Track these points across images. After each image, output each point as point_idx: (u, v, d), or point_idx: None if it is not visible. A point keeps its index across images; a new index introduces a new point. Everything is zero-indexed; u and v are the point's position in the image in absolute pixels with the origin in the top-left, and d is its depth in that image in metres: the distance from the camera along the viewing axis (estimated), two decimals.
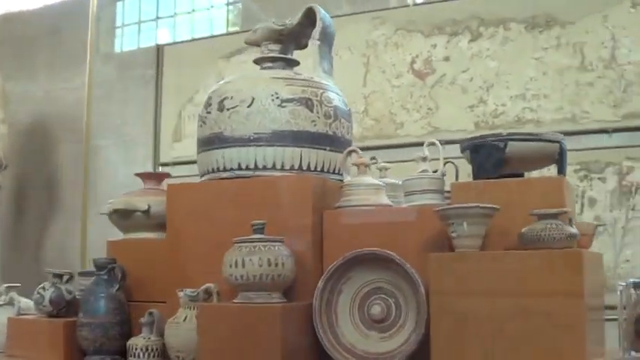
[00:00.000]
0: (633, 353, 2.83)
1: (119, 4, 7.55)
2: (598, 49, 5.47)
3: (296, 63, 3.45)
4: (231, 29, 6.38)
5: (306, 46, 3.55)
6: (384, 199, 3.19)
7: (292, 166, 3.16)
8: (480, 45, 5.75)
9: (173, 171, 6.31)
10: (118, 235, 3.72)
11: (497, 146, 2.93)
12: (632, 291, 2.89)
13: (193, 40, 7.16)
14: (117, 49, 7.55)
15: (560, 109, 5.51)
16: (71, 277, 3.45)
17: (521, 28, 5.66)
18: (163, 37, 7.36)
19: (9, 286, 3.70)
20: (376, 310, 2.86)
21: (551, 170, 3.24)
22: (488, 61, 5.73)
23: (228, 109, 3.16)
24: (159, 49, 6.96)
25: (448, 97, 5.81)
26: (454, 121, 5.76)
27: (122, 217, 3.47)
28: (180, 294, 3.01)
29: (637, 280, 2.98)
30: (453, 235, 2.75)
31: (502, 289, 2.65)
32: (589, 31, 5.50)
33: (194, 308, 2.96)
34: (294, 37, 3.47)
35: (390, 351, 2.81)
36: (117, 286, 3.23)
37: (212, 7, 7.17)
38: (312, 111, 3.20)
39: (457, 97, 5.78)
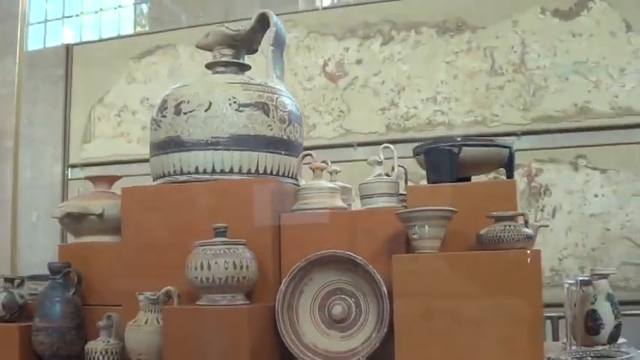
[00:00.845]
0: (583, 348, 2.91)
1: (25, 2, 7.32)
2: (508, 54, 5.63)
3: (248, 67, 3.44)
4: (140, 30, 6.26)
5: (256, 50, 3.54)
6: (339, 202, 3.23)
7: (249, 169, 3.16)
8: (391, 48, 5.83)
9: (82, 173, 6.20)
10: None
11: (452, 151, 2.99)
12: (579, 288, 2.97)
13: (103, 40, 7.03)
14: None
15: (471, 112, 5.65)
16: (22, 282, 3.37)
17: (433, 32, 5.77)
18: (70, 36, 7.17)
19: None
20: (337, 310, 2.90)
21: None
22: (400, 65, 5.82)
23: (185, 113, 3.13)
24: (68, 49, 6.78)
25: (360, 100, 5.86)
26: (366, 124, 5.83)
27: (75, 220, 3.38)
28: (141, 297, 2.97)
29: (584, 278, 3.08)
30: (414, 236, 2.78)
31: (464, 290, 2.71)
32: (499, 36, 5.65)
33: (155, 311, 2.95)
34: (246, 42, 3.44)
35: (351, 349, 2.85)
36: (73, 290, 3.17)
37: (120, 6, 7.03)
38: (268, 115, 3.20)
39: (369, 100, 5.85)
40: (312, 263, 2.90)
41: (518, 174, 5.41)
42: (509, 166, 3.11)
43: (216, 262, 2.81)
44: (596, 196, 5.28)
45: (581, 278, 3.10)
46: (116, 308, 3.13)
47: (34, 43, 7.34)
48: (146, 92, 6.36)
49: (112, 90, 6.38)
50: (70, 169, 6.66)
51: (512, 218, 2.80)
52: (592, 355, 2.67)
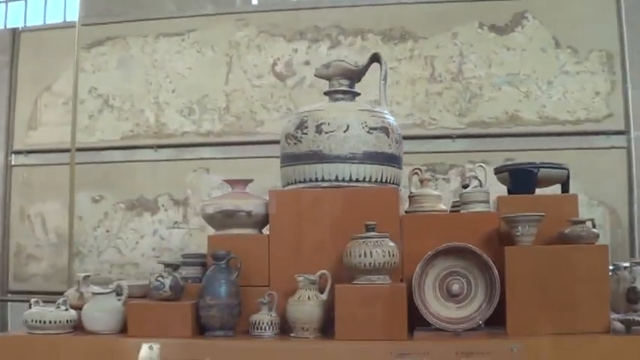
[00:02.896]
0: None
1: None
2: (447, 63, 6.16)
3: (358, 94, 4.17)
4: (89, 20, 6.32)
5: (359, 80, 4.26)
6: (442, 206, 4.16)
7: (376, 179, 3.96)
8: (338, 52, 6.21)
9: (27, 159, 6.27)
10: None
11: (532, 171, 3.96)
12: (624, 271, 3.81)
13: (51, 27, 7.08)
14: None
15: (411, 116, 6.13)
16: (177, 267, 3.86)
17: (378, 39, 6.22)
18: (15, 21, 7.15)
19: (86, 276, 4.11)
20: (455, 287, 3.69)
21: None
22: None
23: (326, 133, 3.88)
24: (15, 34, 6.78)
25: (307, 99, 6.16)
26: None
27: (227, 216, 3.92)
28: (300, 278, 3.64)
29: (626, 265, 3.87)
30: (518, 234, 3.62)
31: (557, 272, 3.58)
32: (439, 46, 6.17)
33: (313, 289, 3.65)
34: (358, 74, 4.19)
35: (467, 316, 3.67)
36: (236, 274, 3.73)
37: None
38: (388, 137, 3.99)
39: (316, 100, 6.15)
40: (438, 253, 3.65)
41: (452, 173, 5.96)
42: (566, 182, 4.05)
43: (377, 251, 3.55)
44: None
45: (624, 264, 3.87)
46: (264, 288, 3.79)
47: None
48: (94, 82, 6.49)
49: (60, 78, 6.48)
50: (13, 155, 6.68)
51: (584, 222, 3.69)
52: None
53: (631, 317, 3.43)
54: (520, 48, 6.07)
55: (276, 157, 5.79)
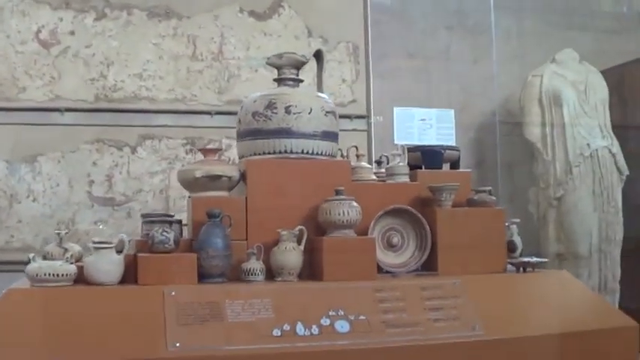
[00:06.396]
0: None
1: None
2: (208, 43, 6.53)
3: (302, 81, 4.66)
4: None
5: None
6: (374, 176, 4.80)
7: (329, 153, 4.56)
8: (104, 25, 6.26)
9: None
10: None
11: (441, 152, 4.94)
12: None
13: None
14: None
15: (173, 91, 6.40)
16: (180, 221, 4.24)
17: (144, 15, 6.36)
18: None
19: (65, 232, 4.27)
20: (395, 240, 4.45)
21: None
22: (111, 41, 6.29)
23: (294, 114, 4.42)
24: None
25: (71, 69, 6.17)
26: (75, 92, 6.16)
27: (211, 180, 4.20)
28: (284, 232, 4.07)
29: None
30: (442, 199, 4.44)
31: (475, 228, 4.47)
32: (202, 27, 6.51)
33: (293, 241, 4.09)
34: (303, 64, 4.69)
35: (404, 262, 4.47)
36: (229, 229, 4.03)
37: None
38: (335, 119, 4.62)
39: (80, 70, 6.20)
40: (384, 213, 4.41)
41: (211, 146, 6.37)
42: (457, 161, 5.08)
43: (351, 210, 4.14)
44: None
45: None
46: (243, 242, 4.16)
47: None
48: None
49: None
50: None
51: (485, 190, 4.65)
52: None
53: (522, 260, 4.57)
54: (276, 34, 6.64)
55: (39, 124, 5.89)
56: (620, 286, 6.83)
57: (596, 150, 6.86)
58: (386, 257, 4.40)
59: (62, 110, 6.13)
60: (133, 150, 6.25)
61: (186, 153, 6.38)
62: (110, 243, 3.80)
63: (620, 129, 7.08)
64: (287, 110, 4.42)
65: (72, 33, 6.22)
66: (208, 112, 6.46)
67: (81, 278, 3.75)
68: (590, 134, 6.89)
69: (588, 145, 6.83)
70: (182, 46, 6.46)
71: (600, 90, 7.06)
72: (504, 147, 7.26)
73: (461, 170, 5.03)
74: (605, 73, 7.17)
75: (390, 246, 4.42)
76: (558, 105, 6.90)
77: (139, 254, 3.86)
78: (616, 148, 6.94)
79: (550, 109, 6.94)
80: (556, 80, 6.98)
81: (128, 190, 6.23)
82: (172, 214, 4.49)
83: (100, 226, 6.10)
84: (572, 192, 6.79)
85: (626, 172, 6.93)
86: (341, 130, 4.68)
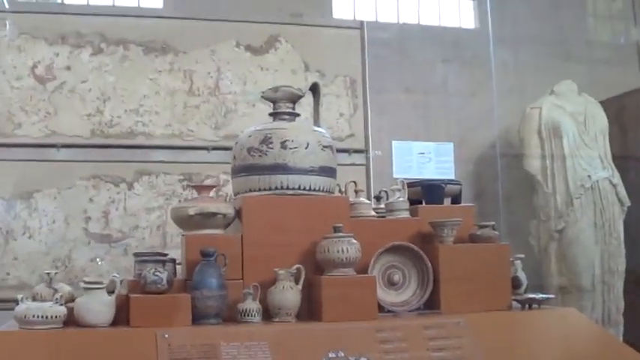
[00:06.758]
0: None
1: None
2: (205, 78, 6.50)
3: (299, 115, 4.55)
4: None
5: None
6: (373, 212, 4.68)
7: (326, 189, 4.41)
8: (100, 60, 6.24)
9: None
10: None
11: (441, 186, 4.81)
12: None
13: None
14: None
15: (169, 126, 6.36)
16: (174, 260, 4.13)
17: (140, 50, 6.34)
18: None
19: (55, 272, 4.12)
20: (396, 277, 4.31)
21: None
22: (107, 76, 6.25)
23: (290, 148, 4.27)
24: None
25: (67, 104, 6.13)
26: (71, 127, 6.13)
27: (205, 217, 4.09)
28: (281, 271, 3.96)
29: None
30: (444, 235, 4.33)
31: (471, 265, 4.33)
32: (198, 61, 6.49)
33: (290, 280, 3.97)
34: (299, 98, 4.58)
35: (405, 300, 4.33)
36: (224, 269, 3.92)
37: None
38: (333, 154, 4.48)
39: (76, 105, 6.15)
40: (385, 250, 4.28)
41: (207, 182, 6.32)
42: (459, 195, 4.91)
43: (350, 248, 4.02)
44: None
45: None
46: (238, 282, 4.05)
47: None
48: None
49: None
50: None
51: (488, 226, 4.49)
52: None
53: (528, 296, 4.40)
54: (273, 69, 6.62)
55: (35, 160, 5.84)
56: (624, 318, 6.75)
57: (597, 181, 6.83)
58: (387, 296, 4.26)
59: (58, 146, 6.09)
60: (130, 186, 6.19)
61: (183, 189, 6.31)
62: (101, 283, 3.70)
63: (620, 159, 7.04)
64: (283, 145, 4.29)
65: (68, 68, 6.19)
66: (205, 148, 6.41)
67: (71, 320, 3.66)
68: (591, 165, 6.87)
69: (589, 176, 6.81)
70: (179, 81, 6.44)
71: (600, 121, 7.04)
72: (503, 179, 7.20)
73: (463, 205, 4.91)
74: (604, 104, 7.14)
75: (390, 284, 4.29)
76: (558, 136, 6.88)
77: (131, 295, 3.78)
78: (617, 179, 6.90)
79: (550, 140, 6.91)
80: (555, 112, 6.96)
81: (125, 227, 6.17)
82: (166, 252, 4.37)
83: (99, 262, 6.03)
84: (574, 224, 6.76)
85: (628, 203, 6.87)
86: (339, 165, 4.58)
